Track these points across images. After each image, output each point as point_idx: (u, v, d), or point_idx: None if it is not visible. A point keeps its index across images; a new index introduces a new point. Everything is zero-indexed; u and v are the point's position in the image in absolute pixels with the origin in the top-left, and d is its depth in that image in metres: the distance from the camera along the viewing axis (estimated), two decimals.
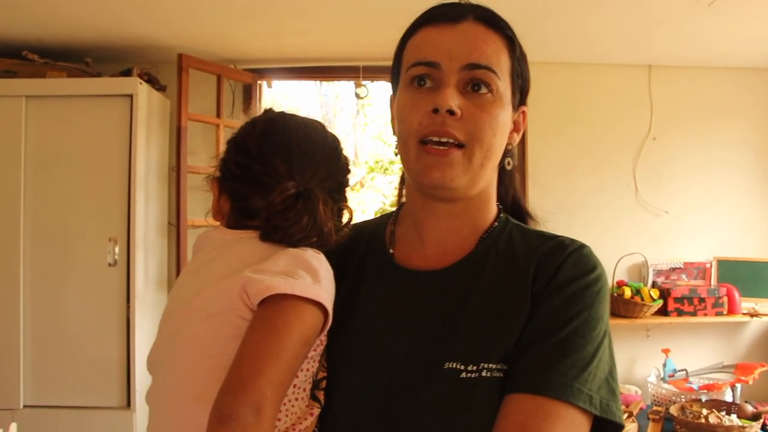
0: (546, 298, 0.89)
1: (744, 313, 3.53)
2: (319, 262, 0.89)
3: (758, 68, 3.73)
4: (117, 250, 3.09)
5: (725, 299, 3.51)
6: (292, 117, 1.02)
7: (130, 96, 3.11)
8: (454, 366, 0.85)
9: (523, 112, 1.02)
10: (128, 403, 3.05)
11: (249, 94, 3.76)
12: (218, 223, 1.02)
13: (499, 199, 1.07)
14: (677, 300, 3.48)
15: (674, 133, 3.73)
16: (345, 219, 1.00)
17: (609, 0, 2.77)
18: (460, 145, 0.91)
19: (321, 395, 0.92)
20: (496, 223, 1.01)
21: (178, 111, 3.33)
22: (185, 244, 3.36)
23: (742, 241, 3.72)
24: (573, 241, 0.96)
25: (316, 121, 1.05)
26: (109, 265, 3.09)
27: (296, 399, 0.88)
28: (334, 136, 1.04)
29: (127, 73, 3.26)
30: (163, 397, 0.88)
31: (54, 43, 3.26)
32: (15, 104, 3.10)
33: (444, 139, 0.90)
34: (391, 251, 1.03)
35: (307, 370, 0.89)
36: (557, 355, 0.84)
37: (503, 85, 0.93)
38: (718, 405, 3.00)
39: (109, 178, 3.13)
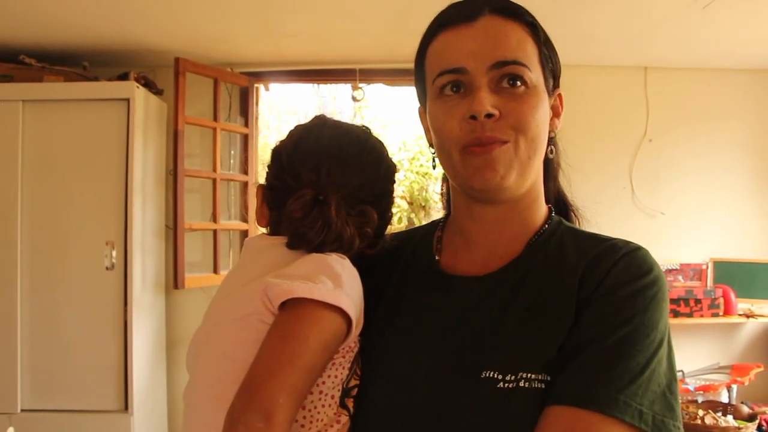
0: (593, 304, 0.82)
1: (740, 314, 3.54)
2: (342, 266, 0.88)
3: (754, 70, 3.74)
4: (114, 253, 3.09)
5: (721, 300, 3.51)
6: (331, 126, 1.01)
7: (127, 100, 3.13)
8: (491, 375, 0.80)
9: (559, 95, 0.97)
10: (126, 407, 3.06)
11: (246, 97, 3.77)
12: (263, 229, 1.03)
13: (549, 197, 1.02)
14: (673, 301, 3.48)
15: (670, 135, 3.74)
16: (375, 223, 0.96)
17: (605, 1, 2.78)
18: (504, 141, 0.87)
19: (351, 403, 0.89)
20: (546, 226, 0.96)
21: (175, 114, 3.34)
22: (182, 247, 3.36)
23: (738, 242, 3.73)
24: (627, 243, 0.89)
25: (359, 128, 1.03)
26: (107, 268, 3.10)
27: (323, 405, 0.87)
28: (376, 144, 1.02)
29: (124, 77, 3.27)
30: (192, 397, 0.89)
31: (51, 48, 3.27)
32: (12, 108, 3.11)
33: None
34: (436, 257, 1.00)
35: (335, 376, 0.88)
36: (602, 364, 0.76)
37: (535, 75, 0.89)
38: (714, 406, 3.01)
39: (106, 181, 3.14)
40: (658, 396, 0.76)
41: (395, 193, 1.04)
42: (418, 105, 1.03)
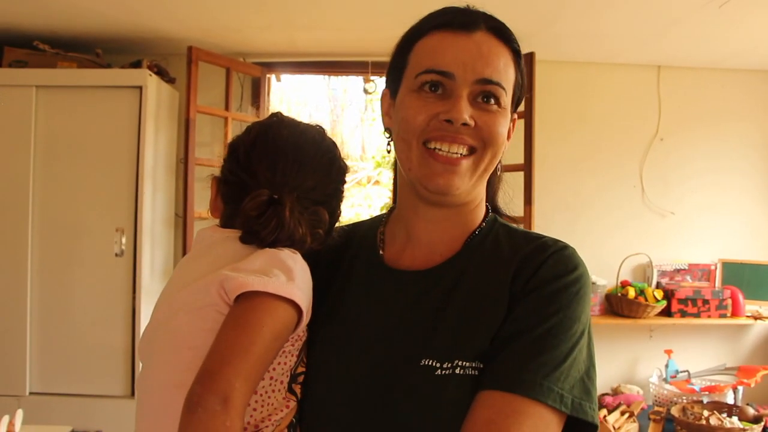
0: (524, 298, 0.91)
1: (748, 316, 3.53)
2: (294, 261, 0.93)
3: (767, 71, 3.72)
4: (124, 240, 3.11)
5: (729, 301, 3.50)
6: (288, 125, 1.04)
7: (140, 87, 3.13)
8: (429, 363, 0.88)
9: (514, 120, 1.04)
10: (132, 392, 3.08)
11: (258, 87, 3.77)
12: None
13: (487, 199, 1.09)
14: (681, 301, 3.48)
15: (682, 135, 3.72)
16: (326, 224, 1.01)
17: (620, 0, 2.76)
18: (471, 151, 0.94)
19: (298, 389, 0.95)
20: (483, 224, 1.03)
21: (187, 103, 3.34)
22: (191, 236, 3.37)
23: (747, 243, 3.72)
24: (556, 242, 0.97)
25: (315, 128, 1.06)
26: (116, 255, 3.12)
27: (272, 391, 0.92)
28: (330, 145, 1.05)
29: (136, 64, 3.28)
30: (149, 384, 0.92)
31: (65, 34, 3.28)
32: (25, 94, 3.13)
33: (455, 149, 0.93)
34: (380, 252, 1.06)
35: (284, 363, 0.93)
36: (529, 353, 0.85)
37: (507, 99, 0.96)
38: (719, 407, 3.00)
39: (117, 169, 3.15)
40: (577, 381, 0.86)
41: (344, 194, 1.08)
42: (383, 87, 1.07)
